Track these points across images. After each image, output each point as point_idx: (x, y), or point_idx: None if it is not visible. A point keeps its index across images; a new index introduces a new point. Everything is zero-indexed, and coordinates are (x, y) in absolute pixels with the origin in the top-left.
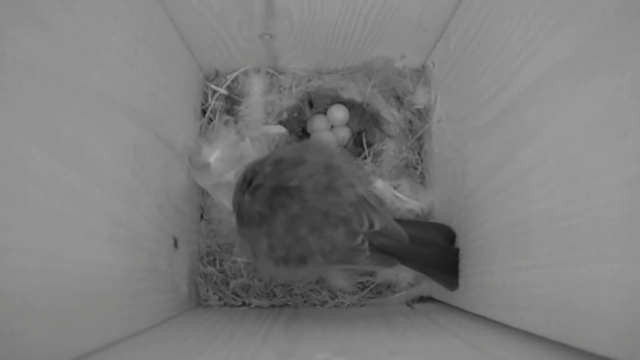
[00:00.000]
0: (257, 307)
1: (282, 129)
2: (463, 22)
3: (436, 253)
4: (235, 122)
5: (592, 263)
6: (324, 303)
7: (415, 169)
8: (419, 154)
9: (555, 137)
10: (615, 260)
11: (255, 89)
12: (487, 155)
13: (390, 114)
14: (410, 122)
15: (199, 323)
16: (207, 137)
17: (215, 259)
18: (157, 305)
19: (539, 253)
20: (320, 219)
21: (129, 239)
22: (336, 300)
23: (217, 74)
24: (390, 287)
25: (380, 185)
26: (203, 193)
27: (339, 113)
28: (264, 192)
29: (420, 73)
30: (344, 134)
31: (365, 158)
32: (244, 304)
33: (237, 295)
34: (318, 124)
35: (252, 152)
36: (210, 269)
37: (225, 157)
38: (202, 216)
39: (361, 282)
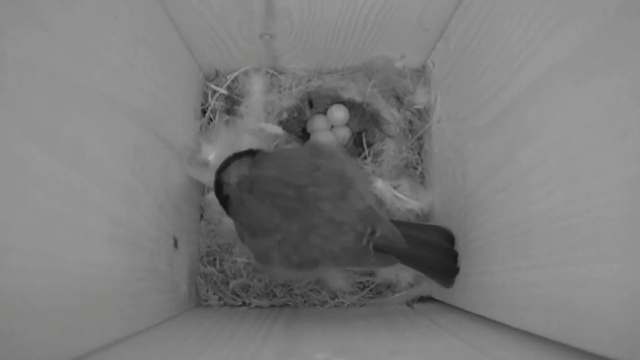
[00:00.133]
0: (257, 307)
1: (279, 130)
2: (463, 22)
3: (434, 253)
4: (235, 122)
5: (592, 263)
6: (324, 303)
7: (415, 169)
8: (419, 154)
9: (555, 137)
10: (615, 260)
11: (255, 88)
12: (487, 155)
13: (390, 114)
14: (410, 122)
15: (199, 323)
16: (207, 136)
17: (215, 259)
18: (157, 305)
19: (539, 253)
20: (335, 228)
21: (129, 239)
22: (336, 300)
23: (217, 74)
24: (390, 287)
25: (380, 185)
26: (203, 193)
27: (339, 113)
28: (275, 199)
29: (420, 73)
30: (344, 134)
31: (365, 158)
32: (244, 304)
33: (237, 295)
34: (318, 124)
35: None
36: (210, 269)
37: (225, 155)
38: (202, 216)
39: (361, 282)
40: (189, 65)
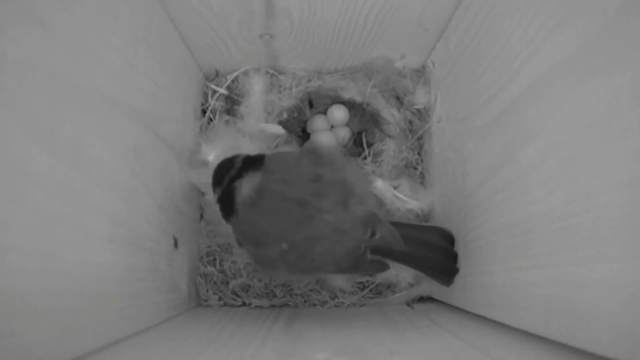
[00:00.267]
0: (257, 307)
1: (280, 130)
2: (463, 22)
3: (433, 254)
4: (235, 122)
5: (592, 263)
6: (324, 303)
7: (415, 169)
8: (419, 154)
9: (555, 137)
10: (615, 260)
11: (255, 88)
12: (487, 155)
13: (390, 114)
14: (410, 122)
15: (198, 323)
16: (207, 136)
17: (215, 259)
18: (157, 305)
19: (539, 253)
20: (338, 236)
21: (129, 239)
22: (336, 300)
23: (217, 74)
24: (390, 287)
25: (380, 185)
26: (203, 193)
27: (339, 113)
28: (280, 210)
29: (420, 73)
30: (344, 134)
31: (365, 158)
32: (244, 304)
33: (237, 295)
34: (318, 124)
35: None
36: (210, 269)
37: (225, 156)
38: (202, 216)
39: (361, 282)
40: (189, 65)
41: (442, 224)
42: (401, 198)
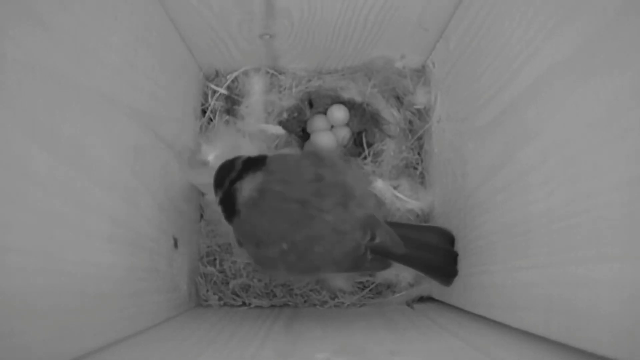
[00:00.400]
0: (257, 307)
1: (280, 130)
2: (463, 22)
3: (433, 254)
4: (235, 122)
5: (592, 263)
6: (324, 303)
7: (415, 169)
8: (419, 154)
9: (555, 137)
10: (615, 260)
11: (256, 88)
12: (487, 155)
13: (390, 114)
14: (410, 122)
15: (199, 323)
16: (207, 136)
17: (215, 259)
18: (157, 305)
19: (539, 253)
20: (338, 237)
21: (129, 239)
22: (336, 300)
23: (217, 74)
24: (390, 287)
25: (380, 185)
26: (203, 193)
27: (339, 113)
28: (281, 211)
29: (420, 73)
30: (344, 134)
31: (365, 158)
32: (244, 304)
33: (237, 295)
34: (318, 124)
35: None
36: (210, 269)
37: (225, 156)
38: (202, 216)
39: (361, 282)
40: (189, 65)
41: (442, 224)
42: (401, 198)
